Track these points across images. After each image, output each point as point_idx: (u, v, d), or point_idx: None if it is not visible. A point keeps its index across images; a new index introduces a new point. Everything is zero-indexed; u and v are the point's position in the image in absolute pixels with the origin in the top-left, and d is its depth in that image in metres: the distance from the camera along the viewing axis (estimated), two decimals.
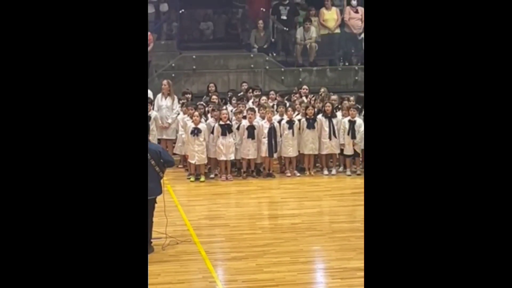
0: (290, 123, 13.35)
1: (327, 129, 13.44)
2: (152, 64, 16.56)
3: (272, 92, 15.00)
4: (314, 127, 13.42)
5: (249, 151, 13.26)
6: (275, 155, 13.49)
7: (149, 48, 15.39)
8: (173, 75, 16.37)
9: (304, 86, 15.37)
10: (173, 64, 16.87)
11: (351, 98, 14.19)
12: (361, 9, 17.20)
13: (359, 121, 13.35)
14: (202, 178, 13.15)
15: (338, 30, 17.54)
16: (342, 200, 12.06)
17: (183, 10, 18.93)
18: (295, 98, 14.54)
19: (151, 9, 17.78)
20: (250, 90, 15.08)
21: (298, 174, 13.53)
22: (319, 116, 13.54)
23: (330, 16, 17.47)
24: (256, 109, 13.67)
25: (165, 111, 14.21)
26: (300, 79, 17.02)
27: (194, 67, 16.88)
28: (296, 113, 13.66)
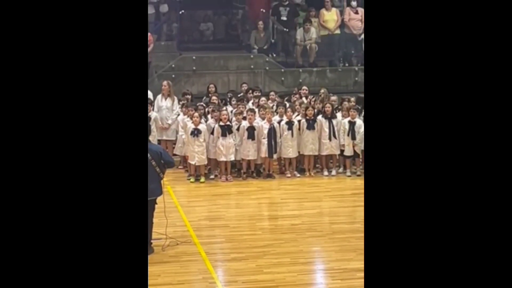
0: (290, 124, 13.36)
1: (327, 130, 13.45)
2: (152, 65, 16.57)
3: (272, 93, 15.01)
4: (314, 128, 13.43)
5: (249, 152, 13.26)
6: (275, 156, 13.49)
7: (149, 49, 15.41)
8: (173, 76, 16.38)
9: (304, 87, 15.38)
10: (173, 65, 16.88)
11: (352, 99, 14.19)
12: (361, 10, 17.21)
13: (359, 122, 13.36)
14: (202, 179, 13.15)
15: (338, 31, 17.55)
16: (342, 201, 12.05)
17: (183, 11, 18.94)
18: (295, 99, 14.54)
19: (151, 10, 17.79)
20: (250, 91, 15.09)
21: (298, 175, 13.53)
22: (319, 117, 13.55)
23: (330, 17, 17.48)
24: (256, 110, 13.68)
25: (165, 112, 14.22)
26: (300, 80, 17.02)
27: (194, 68, 16.89)
28: (296, 114, 13.67)
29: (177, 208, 11.44)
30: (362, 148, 13.19)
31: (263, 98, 14.40)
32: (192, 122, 13.07)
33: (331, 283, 8.58)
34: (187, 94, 14.69)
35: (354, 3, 17.35)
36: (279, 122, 13.42)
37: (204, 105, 13.97)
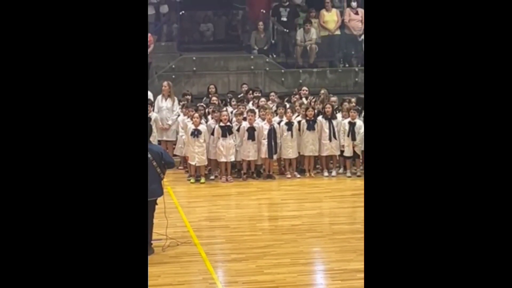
0: (289, 124, 13.36)
1: (327, 130, 13.45)
2: (152, 65, 16.58)
3: (272, 94, 15.02)
4: (314, 129, 13.43)
5: (249, 153, 13.27)
6: (275, 157, 13.49)
7: (149, 50, 15.42)
8: (173, 76, 16.38)
9: (304, 88, 15.38)
10: (173, 66, 16.88)
11: (353, 99, 14.18)
12: (361, 11, 17.22)
13: (359, 123, 13.35)
14: (202, 180, 13.15)
15: (338, 32, 17.56)
16: (342, 201, 12.05)
17: (183, 12, 18.94)
18: (295, 100, 14.54)
19: (151, 11, 17.79)
20: (250, 92, 15.09)
21: (298, 176, 13.53)
22: (319, 118, 13.55)
23: (330, 17, 17.48)
24: (256, 110, 13.68)
25: (165, 112, 14.22)
26: (300, 81, 17.02)
27: (194, 68, 16.90)
28: (296, 114, 13.67)
29: (177, 209, 11.44)
30: (362, 148, 13.19)
31: (262, 99, 14.40)
32: (192, 123, 13.08)
33: (331, 283, 8.57)
34: (187, 95, 14.70)
35: (354, 4, 17.35)
36: (279, 123, 13.42)
37: (204, 105, 13.97)
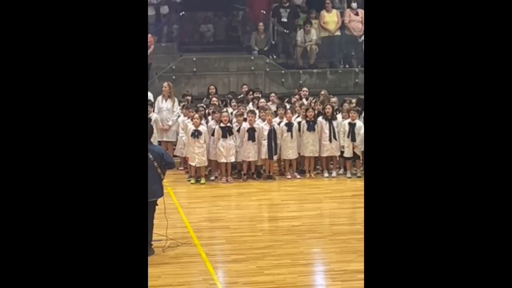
0: (289, 125, 13.36)
1: (327, 131, 13.45)
2: (153, 66, 16.57)
3: (272, 94, 15.02)
4: (314, 130, 13.44)
5: (250, 153, 13.27)
6: (275, 158, 13.49)
7: (149, 50, 15.41)
8: (173, 77, 16.39)
9: (304, 88, 15.38)
10: (173, 66, 16.88)
11: (353, 100, 14.18)
12: (361, 12, 17.22)
13: (359, 124, 13.35)
14: (203, 180, 13.16)
15: (338, 33, 17.56)
16: (342, 202, 12.05)
17: (183, 13, 18.94)
18: (295, 100, 14.54)
19: (151, 11, 17.78)
20: (251, 92, 15.10)
21: (299, 177, 13.53)
22: (320, 119, 13.55)
23: (331, 18, 17.49)
24: (257, 111, 13.68)
25: (165, 113, 14.22)
26: (301, 82, 17.03)
27: (194, 69, 16.90)
28: (296, 115, 13.67)
29: (178, 210, 11.44)
30: (362, 149, 13.19)
31: (262, 100, 14.41)
32: (193, 124, 13.08)
33: (331, 284, 8.58)
34: (188, 96, 14.71)
35: (354, 5, 17.36)
36: (279, 124, 13.42)
37: (204, 106, 13.98)
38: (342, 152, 13.58)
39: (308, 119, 13.43)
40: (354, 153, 13.46)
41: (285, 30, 17.70)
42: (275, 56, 17.72)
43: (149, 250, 9.16)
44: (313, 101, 14.41)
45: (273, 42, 17.98)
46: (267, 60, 17.21)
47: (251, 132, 13.20)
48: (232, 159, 13.19)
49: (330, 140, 13.44)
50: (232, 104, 14.35)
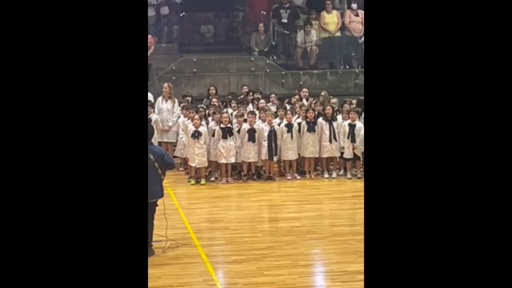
0: (289, 126, 13.36)
1: (327, 132, 13.45)
2: (153, 67, 16.58)
3: (272, 95, 15.02)
4: (314, 130, 13.44)
5: (250, 154, 13.27)
6: (275, 158, 13.49)
7: (149, 51, 15.42)
8: (173, 78, 16.40)
9: (305, 89, 15.38)
10: (173, 67, 16.89)
11: (353, 101, 14.18)
12: (361, 13, 17.24)
13: (359, 125, 13.35)
14: (203, 181, 13.15)
15: (338, 34, 17.57)
16: (342, 203, 12.05)
17: (183, 13, 18.94)
18: (295, 101, 14.54)
19: (151, 12, 17.79)
20: (251, 93, 15.10)
21: (299, 177, 13.53)
22: (320, 119, 13.55)
23: (331, 19, 17.49)
24: (257, 112, 13.68)
25: (165, 114, 14.22)
26: (301, 82, 17.03)
27: (194, 70, 16.90)
28: (296, 116, 13.67)
29: (178, 210, 11.44)
30: (362, 150, 13.18)
31: (262, 101, 14.41)
32: (193, 124, 13.08)
33: (331, 285, 8.58)
34: (188, 96, 14.70)
35: (354, 6, 17.37)
36: (279, 125, 13.42)
37: (204, 107, 13.98)
38: (342, 153, 13.58)
39: (308, 120, 13.43)
40: (354, 154, 13.46)
41: (285, 31, 17.71)
42: (275, 57, 17.73)
43: (149, 251, 9.16)
44: (313, 102, 14.41)
45: (273, 43, 17.99)
46: (267, 61, 17.22)
47: (251, 133, 13.20)
48: (232, 160, 13.19)
49: (330, 141, 13.43)
50: (232, 105, 14.35)
